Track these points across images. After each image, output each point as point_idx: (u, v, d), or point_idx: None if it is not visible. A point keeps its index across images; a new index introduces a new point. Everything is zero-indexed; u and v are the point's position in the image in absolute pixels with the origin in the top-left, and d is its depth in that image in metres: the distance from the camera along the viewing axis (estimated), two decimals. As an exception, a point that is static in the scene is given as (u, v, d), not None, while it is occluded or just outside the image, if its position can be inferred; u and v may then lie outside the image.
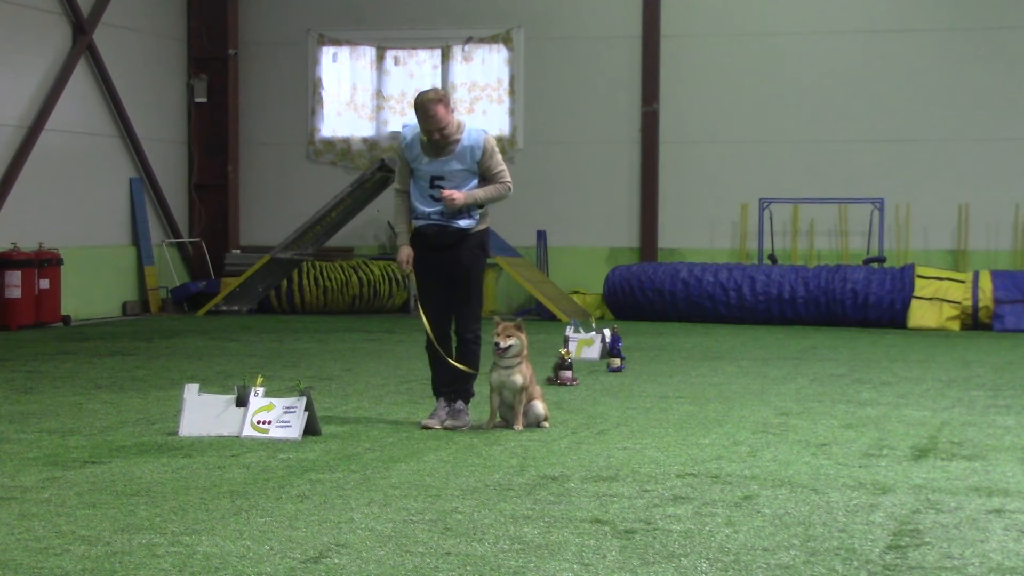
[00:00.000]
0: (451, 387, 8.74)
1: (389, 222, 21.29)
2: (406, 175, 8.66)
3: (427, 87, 9.05)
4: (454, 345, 8.81)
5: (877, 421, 8.99)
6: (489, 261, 14.08)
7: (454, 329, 8.75)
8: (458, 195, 8.42)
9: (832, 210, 20.68)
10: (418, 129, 8.47)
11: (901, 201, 20.47)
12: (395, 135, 9.03)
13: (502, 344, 8.48)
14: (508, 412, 8.68)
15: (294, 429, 8.04)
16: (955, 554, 5.31)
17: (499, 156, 8.59)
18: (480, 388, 9.31)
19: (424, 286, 8.75)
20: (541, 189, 21.58)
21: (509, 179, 8.63)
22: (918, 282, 17.73)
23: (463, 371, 8.69)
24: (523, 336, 8.59)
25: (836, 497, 6.39)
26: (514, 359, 8.52)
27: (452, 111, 8.47)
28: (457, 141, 8.42)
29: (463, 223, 8.53)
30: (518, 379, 8.54)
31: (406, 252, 8.68)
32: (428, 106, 8.33)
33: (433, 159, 8.48)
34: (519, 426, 8.60)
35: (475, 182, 8.53)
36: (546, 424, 8.70)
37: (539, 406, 8.72)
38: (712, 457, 7.52)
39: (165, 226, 21.41)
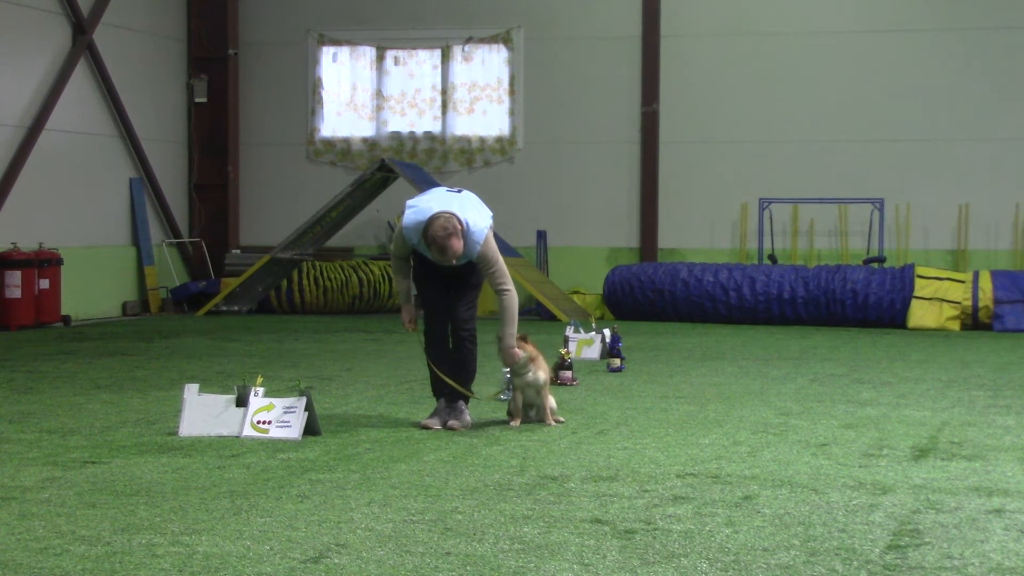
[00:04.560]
0: (451, 388, 8.73)
1: (389, 222, 21.29)
2: (405, 250, 8.61)
3: (436, 213, 8.25)
4: (450, 344, 8.80)
5: (877, 421, 8.99)
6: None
7: (450, 328, 8.73)
8: (517, 352, 8.54)
9: (832, 210, 20.68)
10: (422, 235, 8.30)
11: (901, 201, 20.47)
12: (401, 230, 8.74)
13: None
14: (531, 410, 8.81)
15: (294, 429, 8.04)
16: (955, 554, 5.31)
17: (492, 257, 8.45)
18: (483, 388, 9.32)
19: (423, 277, 8.73)
20: (541, 189, 21.59)
21: (506, 283, 8.50)
22: (918, 282, 17.72)
23: (463, 370, 8.70)
24: (528, 345, 8.72)
25: (836, 497, 6.39)
26: (528, 365, 8.67)
27: (459, 233, 8.27)
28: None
29: (470, 256, 8.50)
30: (541, 375, 8.72)
31: (409, 312, 8.72)
32: (445, 243, 8.19)
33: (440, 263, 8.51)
34: (552, 421, 8.75)
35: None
36: (560, 418, 8.84)
37: (551, 401, 8.90)
38: (712, 457, 7.52)
39: (165, 226, 21.42)
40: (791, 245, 20.85)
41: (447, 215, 8.23)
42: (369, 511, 6.02)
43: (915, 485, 6.71)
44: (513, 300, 8.53)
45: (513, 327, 8.54)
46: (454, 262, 8.37)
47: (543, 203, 21.56)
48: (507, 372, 9.06)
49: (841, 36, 20.75)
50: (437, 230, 8.19)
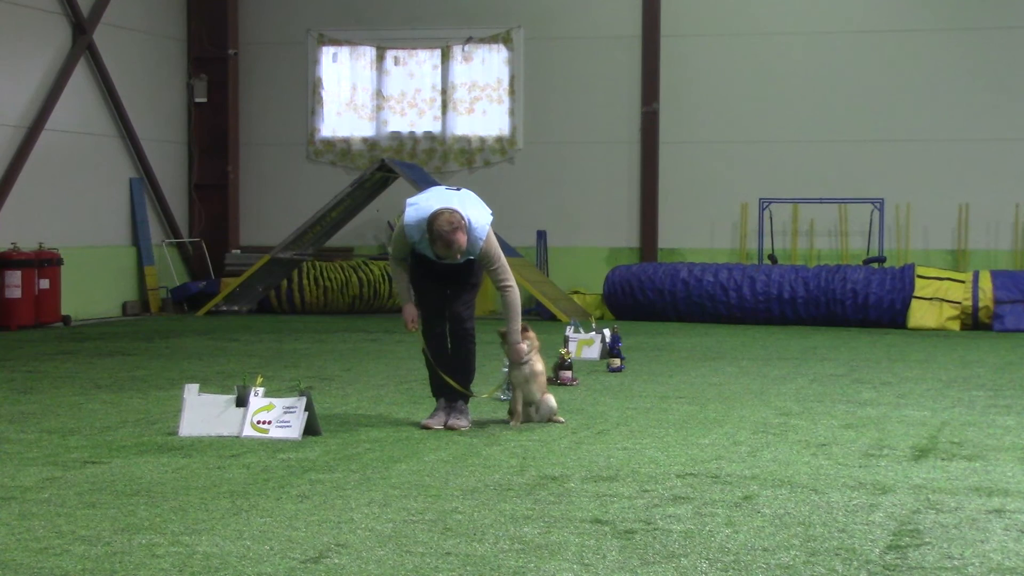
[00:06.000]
0: (451, 388, 8.72)
1: (389, 222, 21.30)
2: (406, 250, 8.61)
3: (439, 209, 8.26)
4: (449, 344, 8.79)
5: (877, 421, 8.99)
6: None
7: (448, 328, 8.72)
8: (523, 348, 8.60)
9: (832, 210, 20.68)
10: (424, 231, 8.29)
11: (901, 201, 20.48)
12: (400, 227, 8.72)
13: None
14: (531, 408, 8.81)
15: (294, 429, 8.04)
16: (955, 554, 5.31)
17: (494, 254, 8.47)
18: (482, 387, 9.32)
19: (421, 276, 8.71)
20: (541, 189, 21.59)
21: (508, 280, 8.51)
22: (918, 282, 17.72)
23: (462, 370, 8.70)
24: (531, 334, 8.77)
25: (836, 497, 6.39)
26: (530, 355, 8.72)
27: (464, 228, 8.26)
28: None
29: (472, 253, 8.48)
30: (539, 366, 8.75)
31: (411, 312, 8.69)
32: (451, 238, 8.17)
33: (441, 259, 8.50)
34: (559, 418, 8.78)
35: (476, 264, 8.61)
36: (560, 419, 8.81)
37: (552, 400, 8.89)
38: (712, 457, 7.52)
39: (165, 226, 21.42)
40: (791, 245, 20.86)
41: (450, 210, 8.24)
42: (369, 511, 6.02)
43: (915, 485, 6.71)
44: (516, 296, 8.55)
45: (517, 323, 8.56)
46: (458, 258, 8.37)
47: (543, 203, 21.56)
48: (505, 369, 9.06)
49: (841, 36, 20.75)
50: (443, 224, 8.19)
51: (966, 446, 7.95)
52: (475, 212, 8.37)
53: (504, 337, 8.70)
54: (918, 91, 20.47)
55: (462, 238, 8.23)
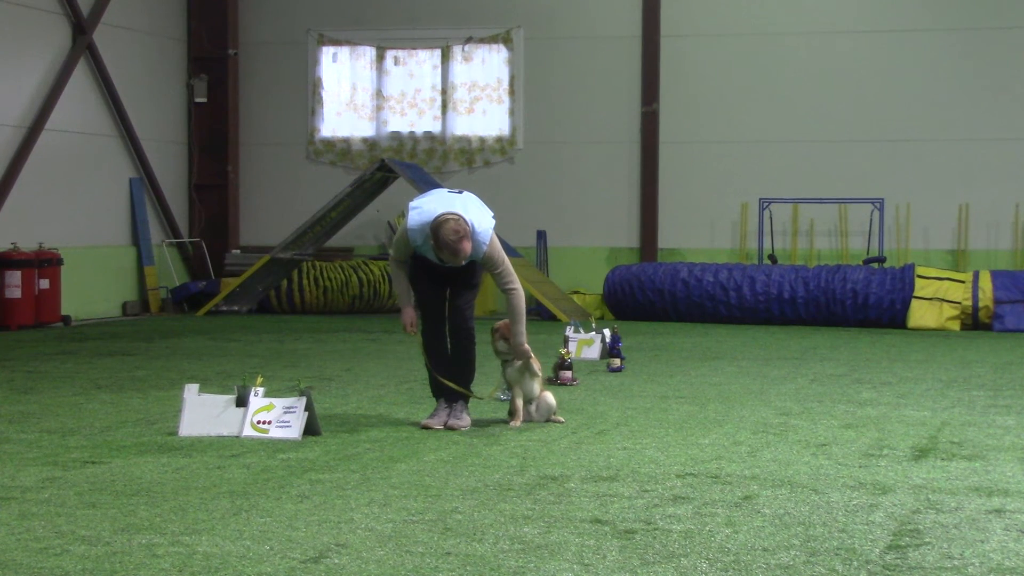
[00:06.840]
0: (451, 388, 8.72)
1: (389, 222, 21.29)
2: (407, 252, 8.59)
3: (444, 215, 8.22)
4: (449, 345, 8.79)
5: (877, 421, 8.99)
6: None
7: (448, 328, 8.71)
8: (527, 347, 8.61)
9: (832, 210, 20.69)
10: (428, 235, 8.28)
11: (901, 201, 20.48)
12: (402, 226, 8.71)
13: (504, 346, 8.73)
14: (530, 405, 8.80)
15: (294, 429, 8.04)
16: (955, 554, 5.31)
17: (498, 258, 8.48)
18: (482, 387, 9.32)
19: (421, 278, 8.70)
20: (541, 189, 21.59)
21: (512, 283, 8.51)
22: (918, 282, 17.72)
23: (462, 370, 8.70)
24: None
25: (836, 497, 6.39)
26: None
27: (469, 235, 8.24)
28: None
29: (476, 257, 8.48)
30: (535, 363, 8.75)
31: (410, 315, 8.68)
32: (457, 246, 8.15)
33: (444, 263, 8.49)
34: (559, 418, 8.78)
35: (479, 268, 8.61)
36: (560, 419, 8.81)
37: (551, 398, 8.88)
38: (712, 457, 7.52)
39: (165, 226, 21.42)
40: (791, 245, 20.86)
41: (455, 217, 8.20)
42: (369, 511, 6.02)
43: (915, 485, 6.71)
44: (521, 299, 8.55)
45: (523, 325, 8.57)
46: (462, 263, 8.38)
47: (543, 203, 21.56)
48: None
49: (841, 36, 20.75)
50: (448, 233, 8.16)
51: (966, 446, 7.95)
52: (478, 217, 8.36)
53: (495, 333, 8.71)
54: (918, 91, 20.48)
55: (467, 246, 8.22)
